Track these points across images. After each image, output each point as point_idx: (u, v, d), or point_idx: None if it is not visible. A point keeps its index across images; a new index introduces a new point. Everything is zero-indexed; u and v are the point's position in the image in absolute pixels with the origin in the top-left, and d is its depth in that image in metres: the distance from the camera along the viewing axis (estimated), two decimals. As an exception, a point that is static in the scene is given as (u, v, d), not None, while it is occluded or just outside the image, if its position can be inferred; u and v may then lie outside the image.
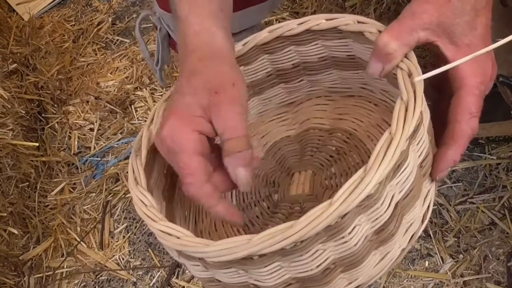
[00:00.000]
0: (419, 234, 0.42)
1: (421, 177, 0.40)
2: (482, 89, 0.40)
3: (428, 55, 1.17)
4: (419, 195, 0.40)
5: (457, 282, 1.02)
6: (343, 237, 0.37)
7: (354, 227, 0.36)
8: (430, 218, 1.11)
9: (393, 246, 0.40)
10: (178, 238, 0.40)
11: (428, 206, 0.42)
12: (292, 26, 0.52)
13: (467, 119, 0.39)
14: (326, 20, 0.49)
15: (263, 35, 0.54)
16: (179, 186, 0.57)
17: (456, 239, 1.07)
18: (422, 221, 0.42)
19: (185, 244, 0.39)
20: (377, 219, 0.37)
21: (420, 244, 1.09)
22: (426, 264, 1.06)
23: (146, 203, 0.44)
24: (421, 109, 0.37)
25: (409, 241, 0.41)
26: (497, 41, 0.38)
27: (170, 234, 0.40)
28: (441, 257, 1.06)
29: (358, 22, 0.46)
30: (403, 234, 0.40)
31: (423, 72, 0.39)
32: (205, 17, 0.46)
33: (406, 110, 0.37)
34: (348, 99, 0.59)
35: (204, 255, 0.38)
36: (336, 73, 0.58)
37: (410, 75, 0.39)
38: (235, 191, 0.60)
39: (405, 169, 0.37)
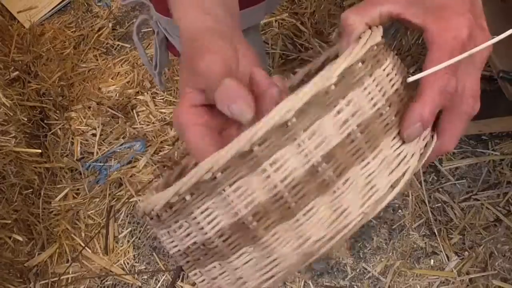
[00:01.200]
0: (385, 202, 0.39)
1: (379, 132, 0.39)
2: (454, 44, 0.38)
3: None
4: (373, 150, 0.38)
5: (463, 280, 1.01)
6: (265, 170, 0.36)
7: (277, 160, 0.35)
8: (434, 215, 1.10)
9: (342, 203, 0.38)
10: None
11: (404, 174, 0.39)
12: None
13: (434, 74, 0.38)
14: None
15: None
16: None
17: (461, 237, 1.06)
18: (392, 187, 0.39)
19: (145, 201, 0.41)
20: (306, 156, 0.36)
21: (425, 242, 1.08)
22: (432, 263, 1.06)
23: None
24: (355, 60, 0.37)
25: (372, 206, 0.38)
26: (494, 37, 0.38)
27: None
28: (446, 255, 1.05)
29: None
30: (357, 193, 0.38)
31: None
32: (187, 9, 0.45)
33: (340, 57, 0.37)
34: None
35: (150, 207, 0.39)
36: None
37: (360, 37, 0.39)
38: None
39: (338, 112, 0.36)
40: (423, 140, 0.41)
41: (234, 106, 0.39)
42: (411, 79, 0.38)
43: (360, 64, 0.37)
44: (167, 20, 0.68)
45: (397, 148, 0.39)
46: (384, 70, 0.39)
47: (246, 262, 0.40)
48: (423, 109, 0.38)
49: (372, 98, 0.38)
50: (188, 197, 0.37)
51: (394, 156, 0.39)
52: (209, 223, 0.38)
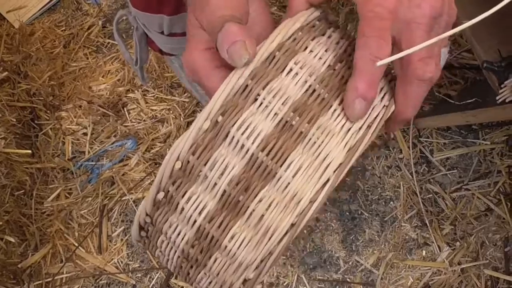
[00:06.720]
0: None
1: (336, 83, 0.38)
2: (377, 10, 0.36)
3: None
4: (336, 99, 0.37)
5: (454, 270, 1.01)
6: (233, 137, 0.36)
7: (243, 123, 0.36)
8: (426, 206, 1.10)
9: (320, 149, 0.37)
10: None
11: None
12: None
13: (362, 43, 0.36)
14: None
15: None
16: None
17: (452, 227, 1.06)
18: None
19: None
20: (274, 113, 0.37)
21: (417, 234, 1.08)
22: (424, 254, 1.06)
23: None
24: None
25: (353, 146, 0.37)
26: (463, 23, 0.37)
27: None
28: (438, 245, 1.05)
29: None
30: (334, 138, 0.37)
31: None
32: None
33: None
34: None
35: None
36: None
37: None
38: None
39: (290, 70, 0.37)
40: (374, 110, 0.39)
41: (232, 48, 0.36)
42: (380, 63, 0.37)
43: (300, 32, 0.39)
44: (144, 15, 0.67)
45: (342, 125, 0.38)
46: (329, 37, 0.40)
47: (241, 244, 0.38)
48: (359, 82, 0.36)
49: (320, 58, 0.39)
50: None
51: (339, 128, 0.38)
52: (195, 209, 0.37)
